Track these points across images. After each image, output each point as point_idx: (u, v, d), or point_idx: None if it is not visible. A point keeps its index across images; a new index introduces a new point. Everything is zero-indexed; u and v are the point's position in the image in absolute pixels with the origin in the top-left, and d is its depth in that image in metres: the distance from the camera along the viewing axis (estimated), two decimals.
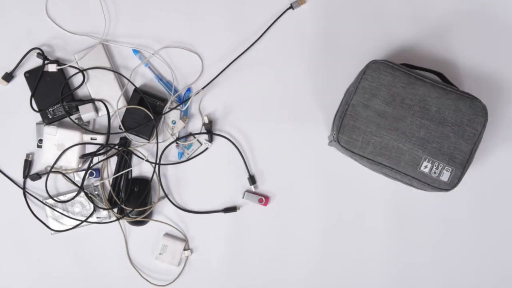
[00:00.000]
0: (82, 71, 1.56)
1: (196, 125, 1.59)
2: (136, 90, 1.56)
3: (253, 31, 1.59)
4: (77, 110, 1.56)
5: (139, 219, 1.55)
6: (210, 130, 1.57)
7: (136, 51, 1.59)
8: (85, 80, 1.57)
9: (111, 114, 1.56)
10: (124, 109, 1.56)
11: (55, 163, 1.52)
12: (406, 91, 1.39)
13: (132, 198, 1.55)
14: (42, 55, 1.57)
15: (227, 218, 1.58)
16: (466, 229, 1.57)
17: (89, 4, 1.60)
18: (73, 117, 1.57)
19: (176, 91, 1.59)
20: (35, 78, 1.57)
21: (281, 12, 1.59)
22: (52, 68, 1.57)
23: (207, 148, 1.58)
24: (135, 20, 1.59)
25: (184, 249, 1.57)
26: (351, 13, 1.59)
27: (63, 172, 1.55)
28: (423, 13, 1.59)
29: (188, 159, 1.58)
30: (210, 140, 1.57)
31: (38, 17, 1.59)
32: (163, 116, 1.57)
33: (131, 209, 1.53)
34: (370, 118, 1.39)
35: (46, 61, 1.57)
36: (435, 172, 1.38)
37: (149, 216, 1.57)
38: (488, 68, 1.58)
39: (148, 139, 1.56)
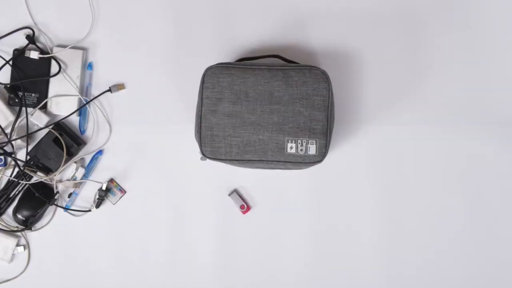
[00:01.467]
0: (59, 64, 1.59)
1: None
2: (57, 125, 1.60)
3: None
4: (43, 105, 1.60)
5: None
6: (103, 197, 1.60)
7: (90, 67, 1.63)
8: (58, 73, 1.59)
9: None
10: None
11: None
12: (247, 85, 1.40)
13: (27, 201, 1.59)
14: (30, 37, 1.59)
15: (215, 221, 1.62)
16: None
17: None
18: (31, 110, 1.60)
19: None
20: (20, 57, 1.59)
21: None
22: (34, 55, 1.58)
23: (89, 211, 1.62)
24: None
25: (17, 245, 1.61)
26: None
27: None
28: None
29: (69, 209, 1.62)
30: (98, 205, 1.61)
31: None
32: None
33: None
34: (223, 123, 1.41)
35: (29, 45, 1.59)
36: (301, 150, 1.40)
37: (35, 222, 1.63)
38: (329, 42, 1.60)
39: (47, 174, 1.59)
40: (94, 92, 1.63)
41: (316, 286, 1.60)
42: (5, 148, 1.61)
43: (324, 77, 1.38)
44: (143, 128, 1.61)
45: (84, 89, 1.63)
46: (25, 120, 1.61)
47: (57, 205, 1.61)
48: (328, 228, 1.60)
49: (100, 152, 1.62)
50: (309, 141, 1.39)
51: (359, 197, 1.61)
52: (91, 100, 1.62)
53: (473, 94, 1.60)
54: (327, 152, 1.39)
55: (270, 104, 1.39)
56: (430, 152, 1.59)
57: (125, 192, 1.62)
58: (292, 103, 1.39)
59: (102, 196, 1.60)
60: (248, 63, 1.41)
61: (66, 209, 1.62)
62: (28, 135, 1.60)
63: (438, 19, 1.61)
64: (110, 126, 1.62)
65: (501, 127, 1.59)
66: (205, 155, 1.42)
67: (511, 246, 1.59)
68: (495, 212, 1.59)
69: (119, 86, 1.61)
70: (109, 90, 1.61)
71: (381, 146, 1.59)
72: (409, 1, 1.61)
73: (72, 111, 1.61)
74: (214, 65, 1.41)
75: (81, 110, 1.62)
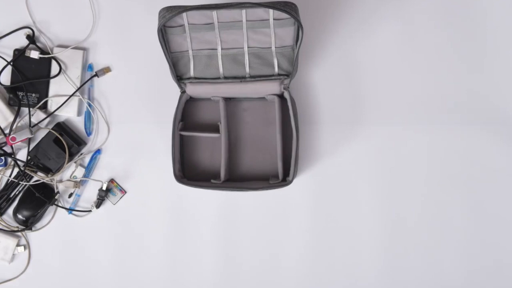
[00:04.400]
0: (60, 64, 1.59)
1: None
2: (57, 125, 1.60)
3: None
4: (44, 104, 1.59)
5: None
6: (103, 197, 1.60)
7: (90, 68, 1.62)
8: (59, 74, 1.58)
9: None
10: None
11: None
12: None
13: (28, 201, 1.59)
14: (30, 37, 1.58)
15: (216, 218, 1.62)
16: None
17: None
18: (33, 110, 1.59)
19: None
20: (21, 56, 1.58)
21: None
22: (34, 55, 1.57)
23: (90, 211, 1.62)
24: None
25: (18, 245, 1.61)
26: None
27: None
28: None
29: (70, 209, 1.62)
30: (98, 206, 1.60)
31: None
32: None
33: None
34: None
35: (29, 45, 1.58)
36: None
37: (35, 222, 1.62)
38: None
39: (47, 174, 1.58)
40: (95, 94, 1.63)
41: (316, 285, 1.60)
42: (5, 148, 1.60)
43: None
44: (144, 127, 1.62)
45: (85, 90, 1.62)
46: (24, 120, 1.61)
47: (57, 205, 1.60)
48: (328, 230, 1.60)
49: (98, 151, 1.61)
50: None
51: (358, 197, 1.60)
52: (80, 87, 1.60)
53: (473, 94, 1.60)
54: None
55: None
56: (430, 152, 1.60)
57: (125, 192, 1.62)
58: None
59: (102, 196, 1.60)
60: None
61: (70, 210, 1.61)
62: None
63: (437, 18, 1.61)
64: (108, 126, 1.62)
65: (501, 127, 1.59)
66: None
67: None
68: (496, 212, 1.59)
69: (105, 70, 1.61)
70: (96, 75, 1.61)
71: (380, 147, 1.60)
72: (408, 1, 1.61)
73: (72, 111, 1.62)
74: None
75: (86, 112, 1.61)
